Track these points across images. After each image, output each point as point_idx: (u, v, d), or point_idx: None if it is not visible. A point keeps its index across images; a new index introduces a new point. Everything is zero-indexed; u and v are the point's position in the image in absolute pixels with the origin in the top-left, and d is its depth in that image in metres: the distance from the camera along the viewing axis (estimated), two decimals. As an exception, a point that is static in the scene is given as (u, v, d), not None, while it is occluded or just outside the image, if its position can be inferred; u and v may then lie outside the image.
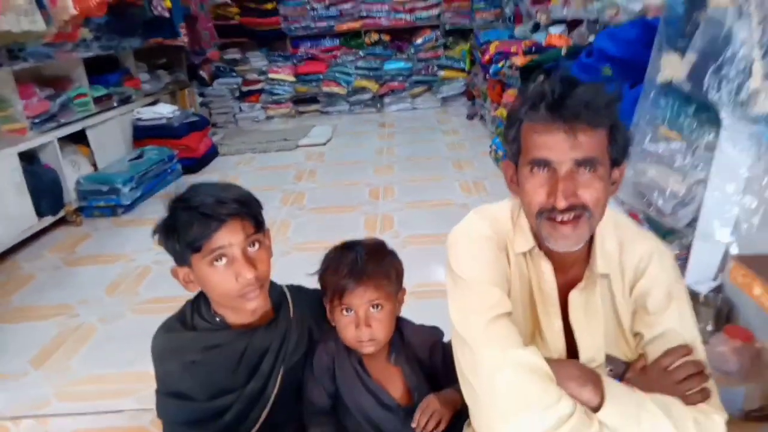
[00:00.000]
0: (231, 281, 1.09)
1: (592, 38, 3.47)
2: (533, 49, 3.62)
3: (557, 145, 0.92)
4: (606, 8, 3.07)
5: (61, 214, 3.23)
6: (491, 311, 1.00)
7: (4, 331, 2.18)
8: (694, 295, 1.73)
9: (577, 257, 1.06)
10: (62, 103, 3.39)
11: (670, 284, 1.04)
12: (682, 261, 1.79)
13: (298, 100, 6.01)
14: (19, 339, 2.12)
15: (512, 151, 1.04)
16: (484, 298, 1.02)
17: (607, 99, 0.97)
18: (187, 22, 4.55)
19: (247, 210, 1.13)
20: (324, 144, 4.73)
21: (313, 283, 1.25)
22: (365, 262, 1.18)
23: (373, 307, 1.17)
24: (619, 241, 1.08)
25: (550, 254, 1.05)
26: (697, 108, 1.62)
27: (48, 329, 2.16)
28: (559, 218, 0.93)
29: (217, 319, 1.20)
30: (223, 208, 1.08)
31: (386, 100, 5.94)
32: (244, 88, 5.92)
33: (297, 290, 1.35)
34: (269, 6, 5.78)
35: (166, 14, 3.99)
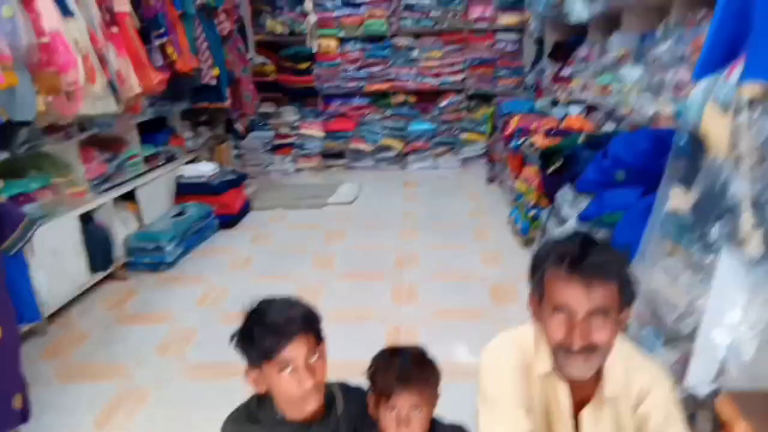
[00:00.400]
0: (294, 387, 1.32)
1: (608, 126, 3.74)
2: (553, 131, 3.87)
3: (575, 296, 1.15)
4: (622, 104, 3.34)
5: (110, 269, 3.50)
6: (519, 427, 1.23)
7: (68, 389, 2.42)
8: (693, 397, 1.92)
9: (588, 381, 1.29)
10: (118, 165, 3.70)
11: (668, 409, 1.27)
12: (683, 365, 1.98)
13: (326, 155, 6.33)
14: (81, 398, 2.35)
15: (536, 290, 1.28)
16: (509, 421, 1.25)
17: (617, 260, 1.22)
18: (231, 85, 4.88)
19: (310, 327, 1.37)
20: (351, 203, 5.00)
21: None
22: (412, 369, 1.37)
23: (414, 408, 1.36)
24: (626, 368, 1.30)
25: (566, 377, 1.28)
26: (700, 235, 1.85)
27: (106, 390, 2.39)
28: (574, 354, 1.16)
29: (279, 415, 1.43)
30: (292, 326, 1.33)
31: (410, 158, 6.23)
32: (276, 141, 6.25)
33: (346, 389, 1.58)
34: (304, 66, 6.14)
35: (214, 82, 4.32)
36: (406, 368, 1.38)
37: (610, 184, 2.65)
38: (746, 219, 1.57)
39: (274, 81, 6.25)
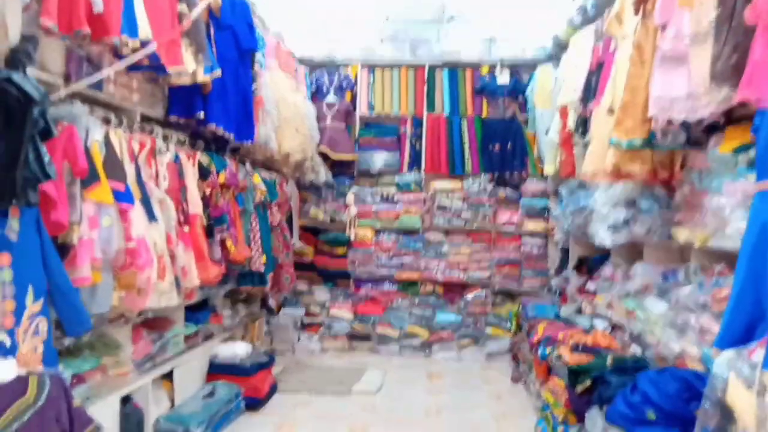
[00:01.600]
0: None
1: (634, 348, 3.87)
2: (580, 347, 4.01)
3: None
4: (647, 332, 3.50)
5: (138, 453, 3.53)
6: None
7: None
8: None
9: None
10: (162, 344, 3.89)
11: None
12: None
13: (353, 336, 6.48)
14: None
15: None
16: None
17: None
18: (274, 270, 5.22)
19: None
20: (375, 393, 5.03)
21: None
22: None
23: None
24: None
25: None
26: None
27: None
28: None
29: None
30: None
31: (434, 347, 6.33)
32: (306, 320, 6.46)
33: None
34: (341, 251, 6.56)
35: (262, 269, 4.66)
36: None
37: (642, 422, 2.73)
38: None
39: (310, 262, 6.64)
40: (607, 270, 4.51)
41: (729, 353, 1.99)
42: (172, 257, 3.27)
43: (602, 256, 4.79)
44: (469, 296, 6.52)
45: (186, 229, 3.54)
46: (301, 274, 6.61)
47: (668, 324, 3.21)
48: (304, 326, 6.49)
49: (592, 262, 4.91)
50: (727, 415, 1.95)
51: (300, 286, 6.66)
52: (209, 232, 3.88)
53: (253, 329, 5.47)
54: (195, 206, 3.64)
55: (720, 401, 1.97)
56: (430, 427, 4.38)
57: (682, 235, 3.12)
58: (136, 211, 2.96)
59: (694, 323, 2.91)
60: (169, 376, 4.05)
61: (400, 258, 6.58)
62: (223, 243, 3.98)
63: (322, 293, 6.67)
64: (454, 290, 6.64)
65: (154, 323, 3.99)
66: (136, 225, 2.92)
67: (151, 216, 3.11)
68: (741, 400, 1.84)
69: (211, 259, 3.78)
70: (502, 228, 6.52)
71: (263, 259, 4.71)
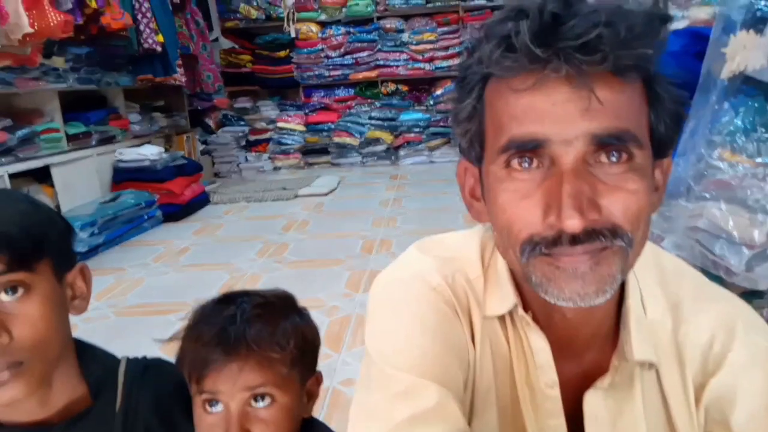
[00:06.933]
0: None
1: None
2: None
3: (557, 109, 0.47)
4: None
5: (4, 259, 2.81)
6: (418, 429, 0.51)
7: None
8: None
9: (595, 328, 0.59)
10: (24, 137, 3.04)
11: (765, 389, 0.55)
12: None
13: (308, 151, 5.64)
14: None
15: (471, 141, 0.57)
16: (407, 403, 0.53)
17: (643, 22, 0.49)
18: (186, 61, 4.27)
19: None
20: (326, 194, 4.29)
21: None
22: (248, 322, 0.73)
23: (255, 399, 0.71)
24: (673, 302, 0.61)
25: (547, 320, 0.59)
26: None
27: None
28: (567, 252, 0.48)
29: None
30: None
31: (401, 152, 5.51)
32: (252, 137, 5.59)
33: (144, 369, 0.85)
34: (282, 54, 5.53)
35: (158, 48, 3.69)
36: (239, 321, 0.73)
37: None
38: None
39: (250, 72, 5.63)
40: None
41: None
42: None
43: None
44: (438, 91, 5.58)
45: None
46: (241, 89, 5.67)
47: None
48: (251, 145, 5.62)
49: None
50: None
51: (243, 103, 5.74)
52: (53, -21, 2.87)
53: (180, 142, 4.62)
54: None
55: None
56: (385, 213, 3.66)
57: None
58: None
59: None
60: (50, 181, 3.26)
61: (352, 55, 5.54)
62: (77, -7, 2.99)
63: (268, 108, 5.75)
64: (420, 87, 5.69)
65: (18, 114, 3.14)
66: None
67: None
68: None
69: (55, 8, 2.81)
70: (470, 3, 5.41)
71: (159, 38, 3.73)
